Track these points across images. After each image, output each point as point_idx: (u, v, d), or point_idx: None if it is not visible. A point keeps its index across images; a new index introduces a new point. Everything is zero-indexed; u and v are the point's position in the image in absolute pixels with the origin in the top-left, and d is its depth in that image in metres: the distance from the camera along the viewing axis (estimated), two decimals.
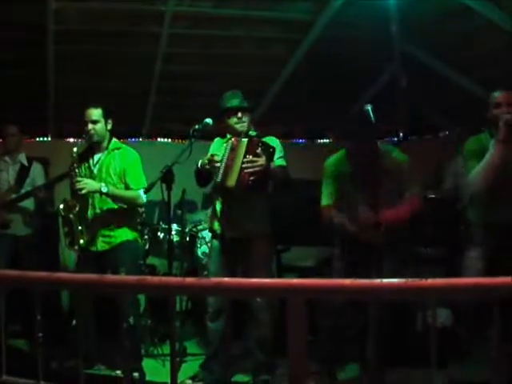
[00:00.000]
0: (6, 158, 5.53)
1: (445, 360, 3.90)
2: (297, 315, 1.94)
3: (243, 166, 3.94)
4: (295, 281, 1.98)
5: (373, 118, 3.53)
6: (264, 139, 4.19)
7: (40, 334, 2.33)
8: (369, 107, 3.57)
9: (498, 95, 3.82)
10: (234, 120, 4.21)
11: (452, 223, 5.50)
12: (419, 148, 7.53)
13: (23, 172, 5.53)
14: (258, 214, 4.19)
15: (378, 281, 1.95)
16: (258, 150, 3.93)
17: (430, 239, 5.53)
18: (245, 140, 4.06)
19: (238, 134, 4.18)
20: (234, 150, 4.05)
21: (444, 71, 6.58)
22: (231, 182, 4.00)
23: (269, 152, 3.97)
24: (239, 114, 4.20)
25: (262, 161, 3.92)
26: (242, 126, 4.21)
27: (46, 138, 7.58)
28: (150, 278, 2.27)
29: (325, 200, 4.15)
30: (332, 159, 4.24)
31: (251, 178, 3.93)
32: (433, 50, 6.49)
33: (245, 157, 3.96)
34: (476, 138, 3.98)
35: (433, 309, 2.06)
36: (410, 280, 1.89)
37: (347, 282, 1.95)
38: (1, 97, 6.47)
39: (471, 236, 3.98)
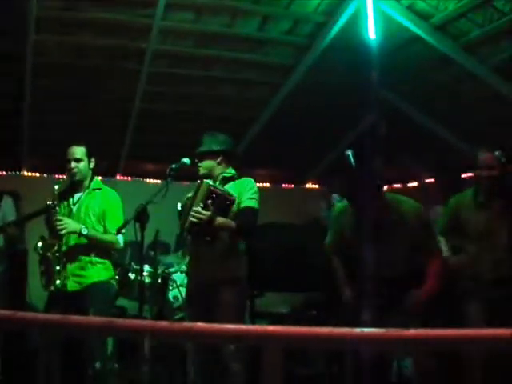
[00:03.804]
0: None
1: None
2: (272, 364, 1.85)
3: (190, 213, 3.86)
4: (271, 328, 1.89)
5: (353, 164, 3.50)
6: (240, 180, 4.13)
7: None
8: (349, 152, 3.54)
9: (480, 156, 3.90)
10: None
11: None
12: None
13: None
14: (224, 258, 4.01)
15: (357, 330, 1.87)
16: (209, 201, 3.85)
17: None
18: (206, 184, 3.95)
19: (205, 177, 4.09)
20: (196, 192, 3.99)
21: (422, 120, 6.64)
22: (186, 224, 3.95)
23: (222, 205, 3.88)
24: (196, 160, 4.16)
25: (207, 215, 3.81)
26: (198, 171, 4.16)
27: (18, 172, 7.44)
28: (118, 321, 2.16)
29: (328, 239, 4.20)
30: (337, 208, 4.26)
31: (194, 228, 3.88)
32: (412, 99, 6.57)
33: (198, 204, 3.87)
34: (461, 194, 4.17)
35: (415, 359, 1.98)
36: (390, 330, 1.82)
37: (325, 330, 1.87)
38: None
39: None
